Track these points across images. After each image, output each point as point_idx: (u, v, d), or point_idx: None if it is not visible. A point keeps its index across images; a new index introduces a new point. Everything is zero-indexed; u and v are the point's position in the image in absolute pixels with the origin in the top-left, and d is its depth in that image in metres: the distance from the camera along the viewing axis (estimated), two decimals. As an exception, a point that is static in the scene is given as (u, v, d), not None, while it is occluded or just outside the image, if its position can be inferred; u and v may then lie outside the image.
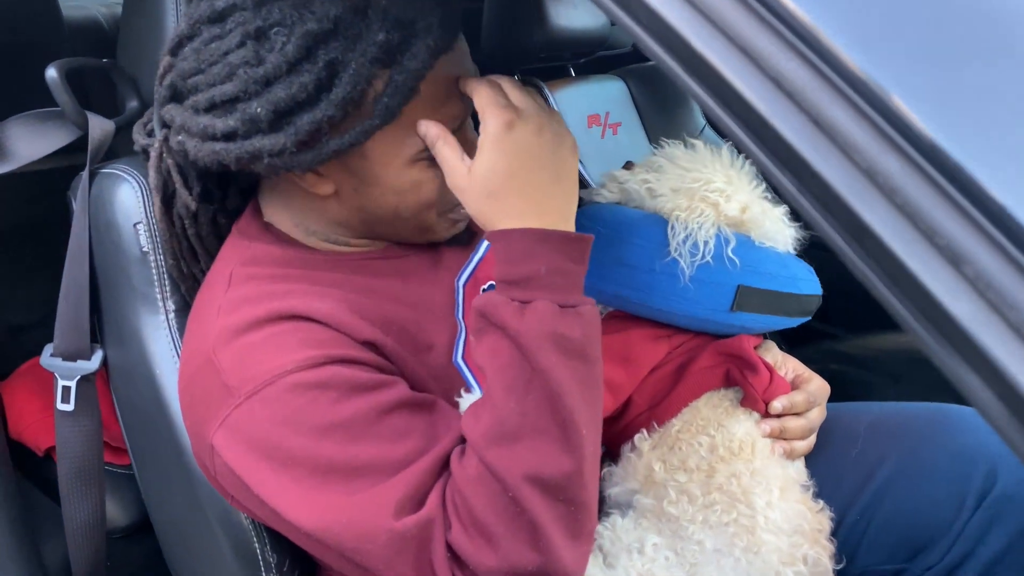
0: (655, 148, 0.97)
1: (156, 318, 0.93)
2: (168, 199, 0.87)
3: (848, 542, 0.91)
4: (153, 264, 0.93)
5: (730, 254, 0.86)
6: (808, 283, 0.92)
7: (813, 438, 0.91)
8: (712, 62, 0.39)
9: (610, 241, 0.90)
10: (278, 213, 0.86)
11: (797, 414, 0.89)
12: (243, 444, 0.71)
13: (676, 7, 0.42)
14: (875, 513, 0.91)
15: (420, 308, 0.84)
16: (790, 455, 0.88)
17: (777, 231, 0.92)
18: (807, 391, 0.90)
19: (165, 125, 0.81)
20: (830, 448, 0.94)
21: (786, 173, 0.38)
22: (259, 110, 0.69)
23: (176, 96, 0.78)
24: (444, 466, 0.70)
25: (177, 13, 0.96)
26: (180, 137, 0.76)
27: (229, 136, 0.72)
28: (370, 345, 0.77)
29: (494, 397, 0.68)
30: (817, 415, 0.91)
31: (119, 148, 1.04)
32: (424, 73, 0.71)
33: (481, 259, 0.92)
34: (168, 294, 0.94)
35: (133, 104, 1.04)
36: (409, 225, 0.83)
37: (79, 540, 1.04)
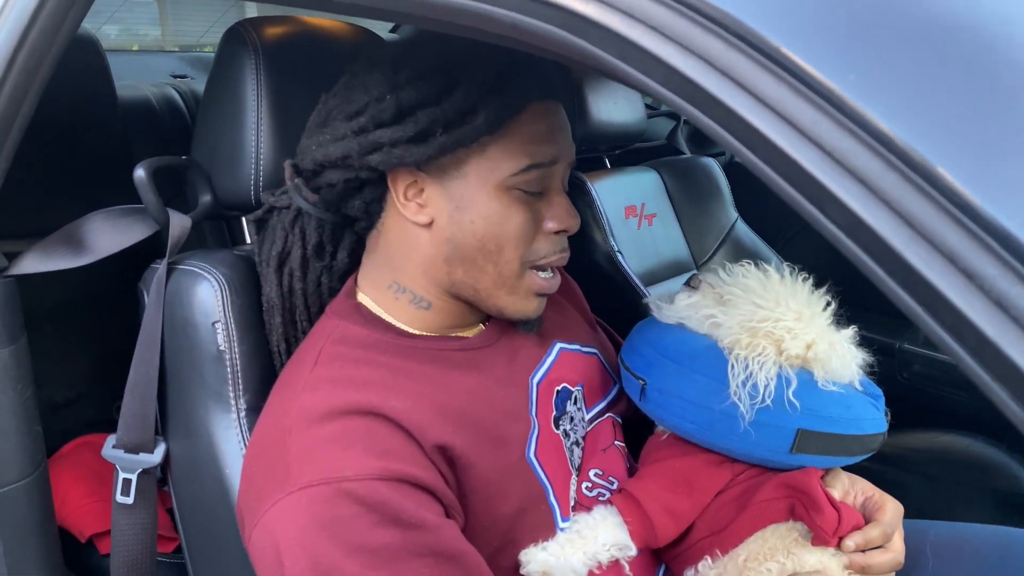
0: (724, 269, 0.95)
1: (227, 416, 0.93)
2: (283, 257, 0.94)
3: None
4: (228, 363, 0.93)
5: (791, 397, 0.83)
6: (872, 422, 0.89)
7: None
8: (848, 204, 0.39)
9: (671, 373, 0.90)
10: (373, 276, 0.90)
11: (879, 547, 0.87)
12: (279, 534, 0.72)
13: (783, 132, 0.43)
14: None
15: (494, 403, 0.85)
16: None
17: (843, 366, 0.89)
18: (883, 523, 0.86)
19: (296, 165, 0.89)
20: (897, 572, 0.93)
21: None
22: (387, 104, 0.80)
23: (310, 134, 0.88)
24: None
25: (258, 112, 0.99)
26: (314, 148, 0.85)
27: (358, 131, 0.82)
28: (439, 449, 0.78)
29: None
30: (899, 543, 0.87)
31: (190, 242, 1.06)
32: (530, 99, 0.82)
33: (555, 361, 0.94)
34: (241, 392, 0.94)
35: (206, 199, 1.06)
36: (490, 271, 0.85)
37: (128, 633, 1.02)
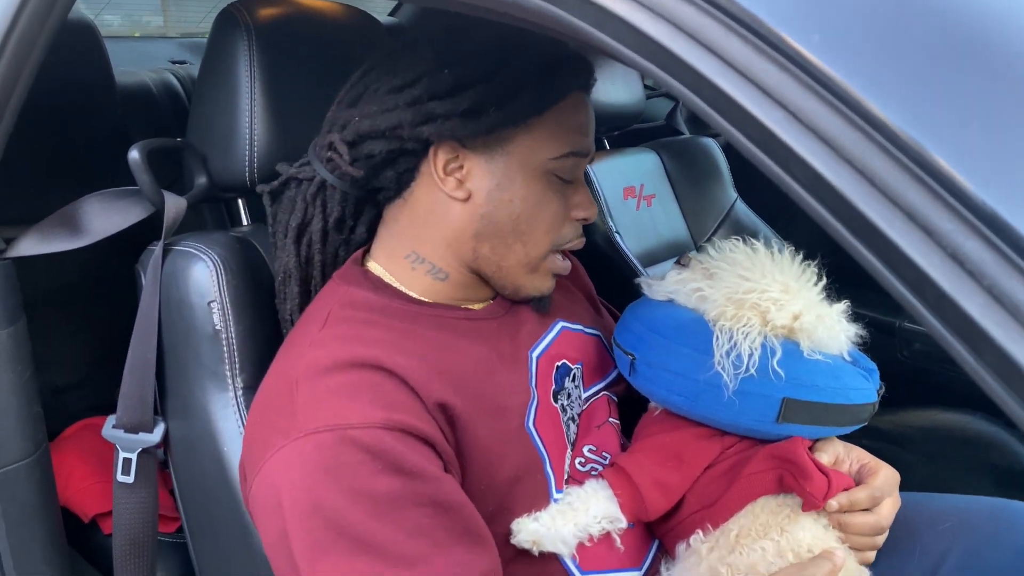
0: (712, 246, 0.96)
1: (224, 395, 0.94)
2: (302, 228, 0.94)
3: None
4: (224, 342, 0.94)
5: (775, 366, 0.84)
6: (860, 392, 0.89)
7: (883, 536, 0.90)
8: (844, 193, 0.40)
9: (660, 347, 0.90)
10: (391, 246, 0.92)
11: (865, 510, 0.88)
12: (282, 478, 0.74)
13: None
14: (936, 612, 0.91)
15: (495, 374, 0.87)
16: (862, 560, 0.87)
17: (831, 337, 0.89)
18: (871, 486, 0.87)
19: (330, 138, 0.89)
20: (891, 543, 0.93)
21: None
22: (446, 75, 0.83)
23: (354, 103, 0.89)
24: None
25: (251, 93, 1.00)
26: (356, 121, 0.86)
27: (412, 102, 0.83)
28: (441, 407, 0.80)
29: None
30: (889, 509, 0.88)
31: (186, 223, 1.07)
32: (572, 87, 0.86)
33: (556, 338, 0.96)
34: (237, 372, 0.95)
35: (202, 181, 1.06)
36: (519, 251, 0.88)
37: (130, 611, 1.04)
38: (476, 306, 0.94)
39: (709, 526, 0.90)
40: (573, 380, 0.97)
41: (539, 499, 0.87)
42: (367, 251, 0.95)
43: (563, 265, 0.92)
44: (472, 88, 0.82)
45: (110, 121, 1.53)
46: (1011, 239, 0.32)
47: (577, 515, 0.86)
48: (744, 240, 0.95)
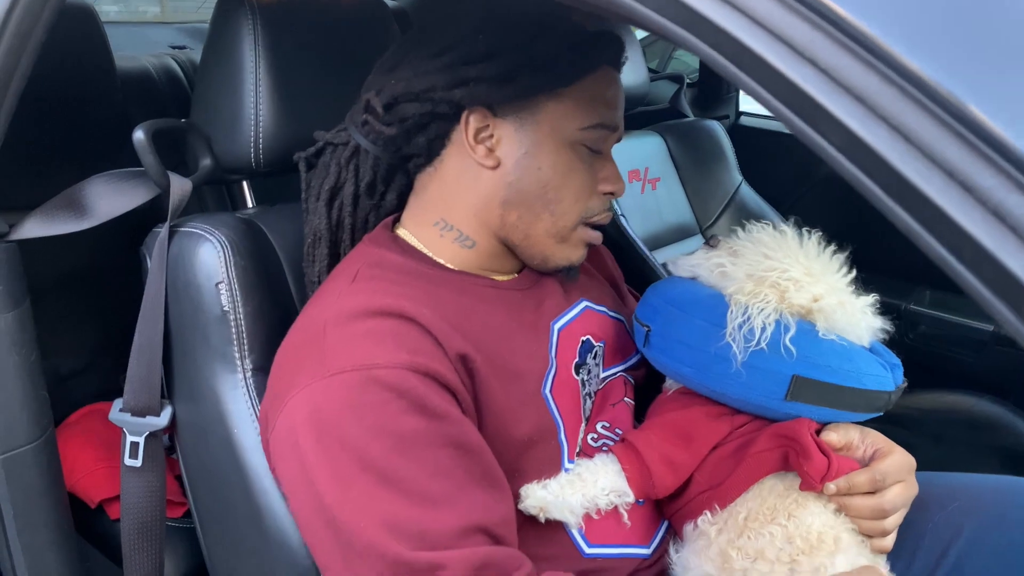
0: (743, 231, 0.95)
1: (234, 377, 0.94)
2: (335, 192, 0.96)
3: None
4: (233, 323, 0.93)
5: (787, 343, 0.83)
6: (875, 379, 0.87)
7: (894, 521, 0.88)
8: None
9: (675, 319, 0.91)
10: (420, 213, 0.93)
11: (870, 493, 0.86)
12: (307, 415, 0.76)
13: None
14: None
15: (515, 342, 0.89)
16: (879, 548, 0.86)
17: (851, 324, 0.88)
18: (873, 469, 0.86)
19: (366, 110, 0.90)
20: (903, 523, 0.92)
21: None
22: (480, 41, 0.85)
23: (394, 68, 0.89)
24: (469, 534, 0.73)
25: (256, 73, 0.99)
26: (393, 83, 0.88)
27: (446, 67, 0.85)
28: (461, 359, 0.81)
29: None
30: (897, 493, 0.86)
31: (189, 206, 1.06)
32: (603, 60, 0.88)
33: (579, 315, 0.98)
34: (246, 352, 0.94)
35: (206, 162, 1.06)
36: (546, 219, 0.89)
37: (139, 595, 1.03)
38: (502, 277, 0.95)
39: (717, 507, 0.89)
40: (595, 357, 0.98)
41: (551, 466, 0.88)
42: (397, 219, 0.97)
43: (594, 235, 0.93)
44: (505, 54, 0.84)
45: (111, 106, 1.52)
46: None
47: (585, 486, 0.86)
48: (774, 226, 0.94)
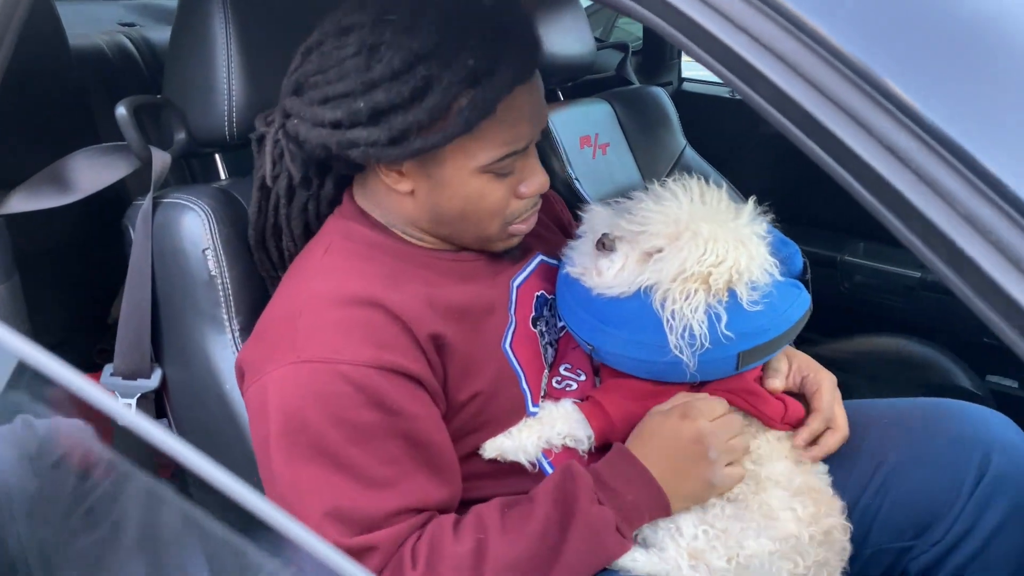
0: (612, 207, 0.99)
1: (223, 337, 1.00)
2: (272, 180, 0.96)
3: (861, 523, 1.00)
4: (220, 287, 0.99)
5: (724, 331, 0.88)
6: (798, 306, 0.94)
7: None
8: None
9: (615, 339, 0.94)
10: (367, 205, 0.97)
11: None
12: (277, 396, 0.83)
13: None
14: (884, 497, 1.00)
15: (477, 302, 0.96)
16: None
17: (761, 268, 0.92)
18: (822, 411, 0.98)
19: (286, 114, 0.92)
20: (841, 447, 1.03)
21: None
22: (361, 106, 0.82)
23: (298, 91, 0.90)
24: (403, 514, 0.83)
25: (228, 49, 1.03)
26: (295, 122, 0.89)
27: (335, 125, 0.85)
28: (432, 338, 0.88)
29: (519, 542, 0.84)
30: (843, 419, 0.99)
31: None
32: (502, 97, 0.83)
33: (534, 270, 1.04)
34: (234, 314, 1.00)
35: (181, 136, 1.09)
36: (472, 231, 0.94)
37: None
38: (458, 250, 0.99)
39: None
40: (550, 309, 1.05)
41: (516, 414, 0.96)
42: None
43: (526, 225, 0.96)
44: (393, 117, 0.82)
45: (66, 83, 1.52)
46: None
47: (543, 428, 0.94)
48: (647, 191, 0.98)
